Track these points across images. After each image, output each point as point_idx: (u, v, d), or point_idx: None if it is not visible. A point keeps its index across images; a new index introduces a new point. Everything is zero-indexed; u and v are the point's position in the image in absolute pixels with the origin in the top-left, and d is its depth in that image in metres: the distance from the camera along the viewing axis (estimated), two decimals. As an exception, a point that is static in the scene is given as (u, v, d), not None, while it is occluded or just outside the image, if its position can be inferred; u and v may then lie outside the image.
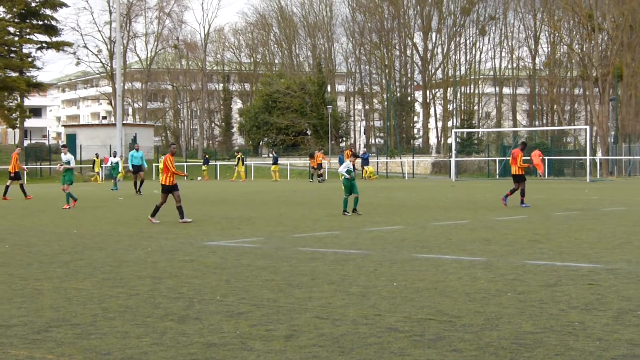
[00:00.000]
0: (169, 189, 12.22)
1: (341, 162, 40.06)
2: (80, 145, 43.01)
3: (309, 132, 62.01)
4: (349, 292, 5.66)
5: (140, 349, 3.82)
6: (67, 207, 15.94)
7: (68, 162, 16.65)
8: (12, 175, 20.25)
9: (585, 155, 34.67)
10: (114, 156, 29.77)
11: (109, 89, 65.20)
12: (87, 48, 60.03)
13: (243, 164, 38.78)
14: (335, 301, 5.25)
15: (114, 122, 49.50)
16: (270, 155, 47.32)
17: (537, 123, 55.26)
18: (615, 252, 7.93)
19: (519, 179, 15.05)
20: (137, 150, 23.00)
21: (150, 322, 4.53)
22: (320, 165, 35.54)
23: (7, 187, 20.37)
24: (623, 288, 5.56)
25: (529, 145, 44.70)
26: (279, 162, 39.99)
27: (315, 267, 7.09)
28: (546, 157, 39.04)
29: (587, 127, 40.06)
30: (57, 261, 7.82)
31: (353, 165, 13.80)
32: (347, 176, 13.32)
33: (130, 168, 23.05)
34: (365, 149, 49.47)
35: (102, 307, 5.09)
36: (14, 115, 49.42)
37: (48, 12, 51.76)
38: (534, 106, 55.02)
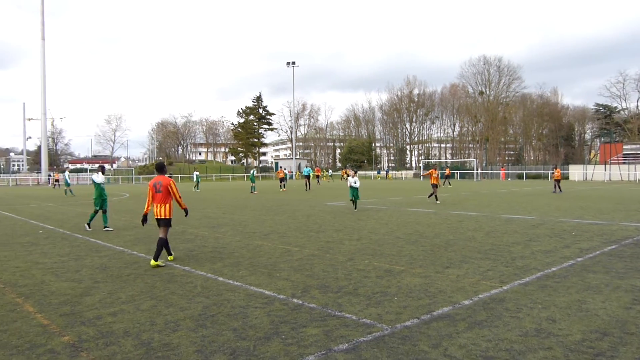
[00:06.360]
0: None
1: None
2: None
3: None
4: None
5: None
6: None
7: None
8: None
9: None
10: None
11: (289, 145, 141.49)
12: (282, 129, 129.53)
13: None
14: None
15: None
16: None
17: None
18: None
19: None
20: None
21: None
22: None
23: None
24: None
25: None
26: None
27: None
28: None
29: None
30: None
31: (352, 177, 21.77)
32: (355, 186, 21.37)
33: None
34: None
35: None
36: (255, 154, 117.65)
37: (268, 117, 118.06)
38: None
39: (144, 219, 10.04)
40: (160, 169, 10.14)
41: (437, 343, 5.45)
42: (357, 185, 21.42)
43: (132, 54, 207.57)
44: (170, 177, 17.72)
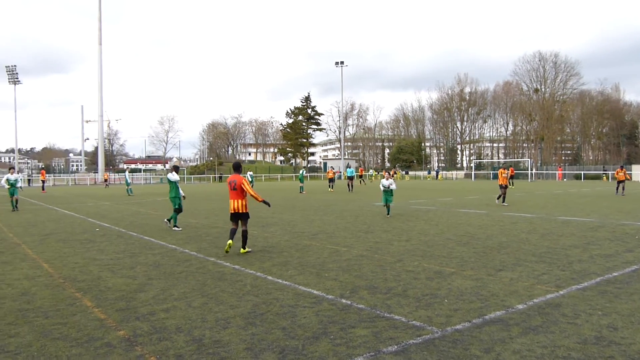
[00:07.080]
0: None
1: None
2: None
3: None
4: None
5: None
6: None
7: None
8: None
9: None
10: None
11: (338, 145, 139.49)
12: (330, 130, 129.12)
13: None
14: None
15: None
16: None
17: None
18: None
19: None
20: None
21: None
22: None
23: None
24: None
25: None
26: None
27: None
28: None
29: None
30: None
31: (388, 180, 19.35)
32: (390, 188, 19.21)
33: None
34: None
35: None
36: (304, 154, 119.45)
37: (317, 117, 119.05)
38: None
39: None
40: (236, 168, 11.13)
41: (489, 348, 5.34)
42: (394, 187, 19.34)
43: (184, 57, 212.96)
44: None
